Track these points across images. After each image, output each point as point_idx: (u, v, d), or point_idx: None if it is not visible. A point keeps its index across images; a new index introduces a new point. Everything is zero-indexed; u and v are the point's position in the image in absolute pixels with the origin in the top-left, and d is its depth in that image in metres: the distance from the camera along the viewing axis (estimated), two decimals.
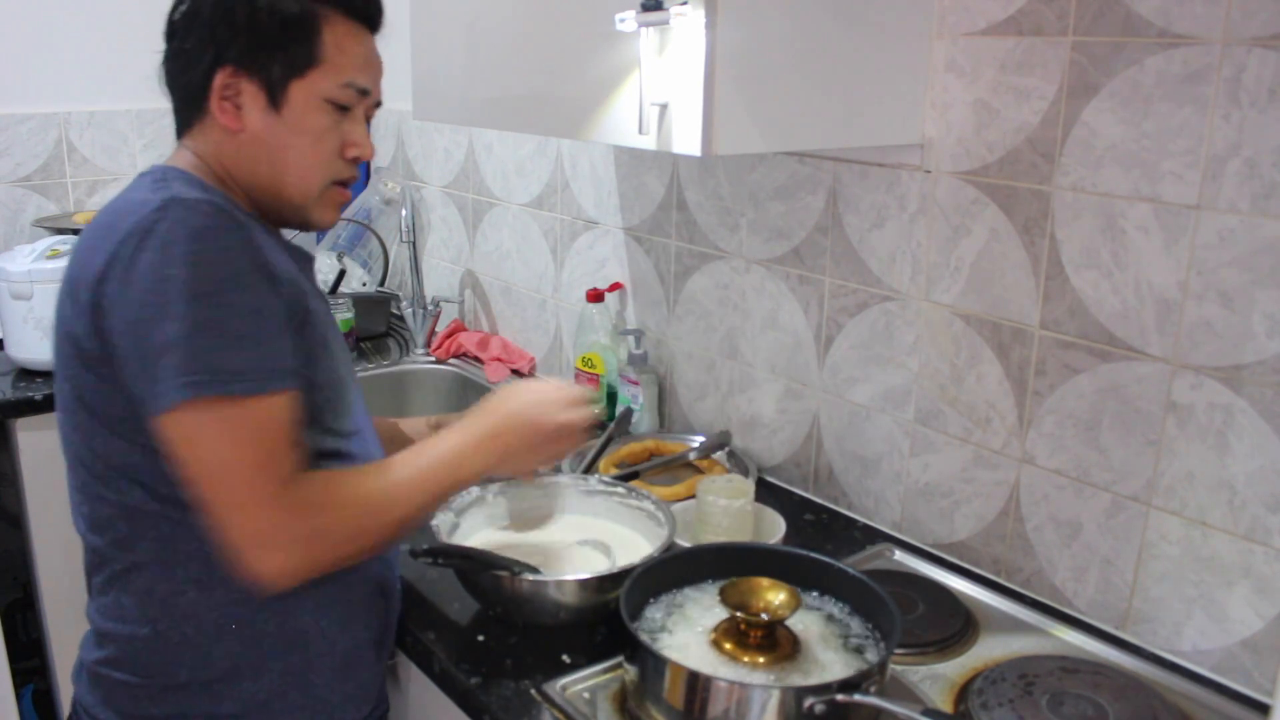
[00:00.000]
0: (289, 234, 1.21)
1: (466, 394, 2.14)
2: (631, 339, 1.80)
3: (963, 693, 1.11)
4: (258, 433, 0.98)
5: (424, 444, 1.12)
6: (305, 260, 1.19)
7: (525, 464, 1.19)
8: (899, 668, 1.15)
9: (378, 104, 1.16)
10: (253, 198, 1.12)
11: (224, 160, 1.11)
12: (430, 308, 2.28)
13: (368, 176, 2.59)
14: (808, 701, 0.94)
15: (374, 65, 1.14)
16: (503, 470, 1.19)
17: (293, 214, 1.14)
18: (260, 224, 1.11)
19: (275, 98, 1.08)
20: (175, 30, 1.10)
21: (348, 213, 2.53)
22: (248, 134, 1.09)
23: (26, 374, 2.02)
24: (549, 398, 1.18)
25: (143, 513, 1.05)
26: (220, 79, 1.07)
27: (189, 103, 1.10)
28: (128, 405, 1.00)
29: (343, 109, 1.11)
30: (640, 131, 1.14)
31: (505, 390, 1.20)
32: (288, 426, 1.00)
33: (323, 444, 1.09)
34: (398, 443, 1.35)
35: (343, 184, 1.15)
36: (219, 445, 0.97)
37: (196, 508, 1.00)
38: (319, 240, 2.60)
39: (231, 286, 0.97)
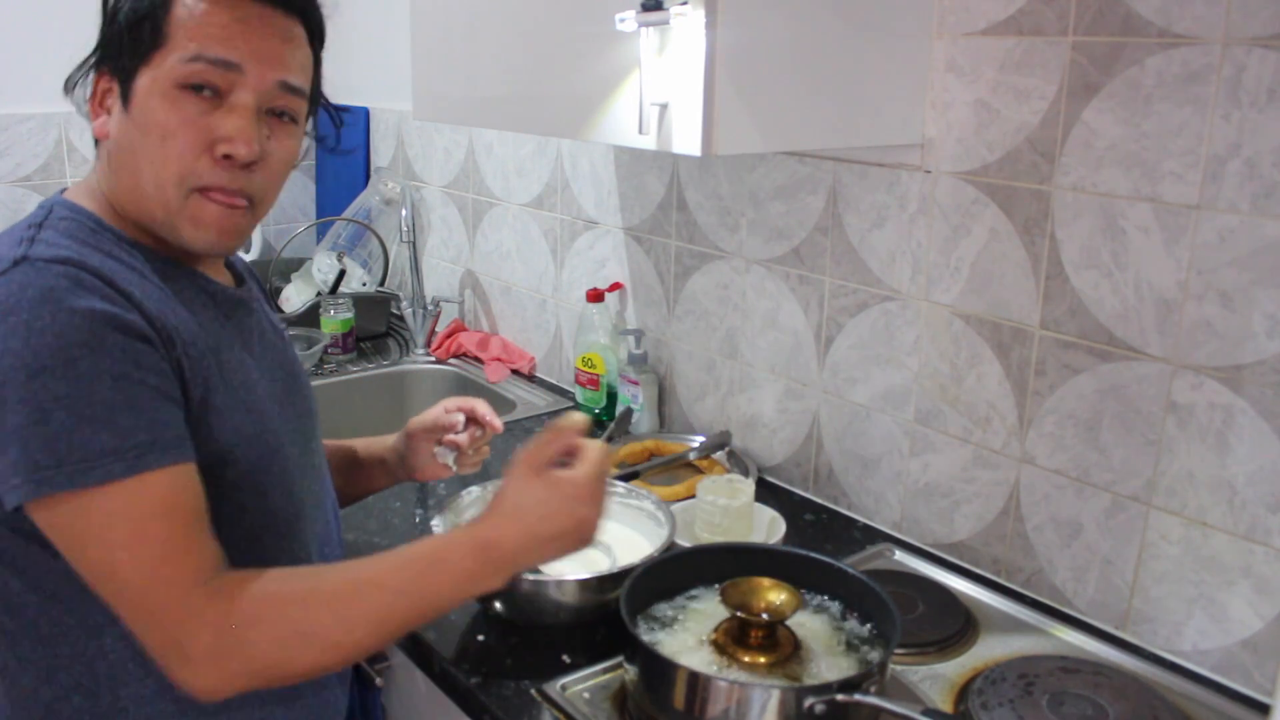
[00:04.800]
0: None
1: (466, 394, 2.13)
2: (631, 339, 1.80)
3: (963, 693, 1.12)
4: (144, 523, 0.83)
5: (404, 547, 0.94)
6: (233, 305, 1.02)
7: (532, 564, 0.99)
8: (899, 668, 1.15)
9: (290, 88, 0.94)
10: (132, 217, 0.95)
11: (107, 181, 0.95)
12: (430, 308, 2.28)
13: (368, 177, 2.59)
14: (808, 701, 0.94)
15: (246, 36, 0.91)
16: (507, 577, 0.96)
17: (170, 236, 0.94)
18: (155, 266, 0.94)
19: (126, 93, 0.91)
20: None
21: (347, 212, 2.53)
22: (111, 142, 0.94)
23: None
24: (573, 493, 0.97)
25: (19, 606, 0.90)
26: (97, 84, 0.94)
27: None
28: None
29: (209, 96, 0.90)
30: (640, 131, 1.14)
31: (518, 484, 0.98)
32: (187, 506, 0.85)
33: (251, 520, 0.96)
34: (353, 470, 1.29)
35: (209, 191, 0.92)
36: (99, 546, 0.83)
37: (82, 607, 0.88)
38: (319, 240, 2.60)
39: (83, 353, 0.81)
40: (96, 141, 0.97)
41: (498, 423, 1.29)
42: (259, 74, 0.92)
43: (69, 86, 0.98)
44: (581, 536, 0.98)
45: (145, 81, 0.90)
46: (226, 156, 0.91)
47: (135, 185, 0.93)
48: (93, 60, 0.96)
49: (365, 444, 1.33)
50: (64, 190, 0.99)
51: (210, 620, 0.83)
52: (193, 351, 0.91)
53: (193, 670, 0.84)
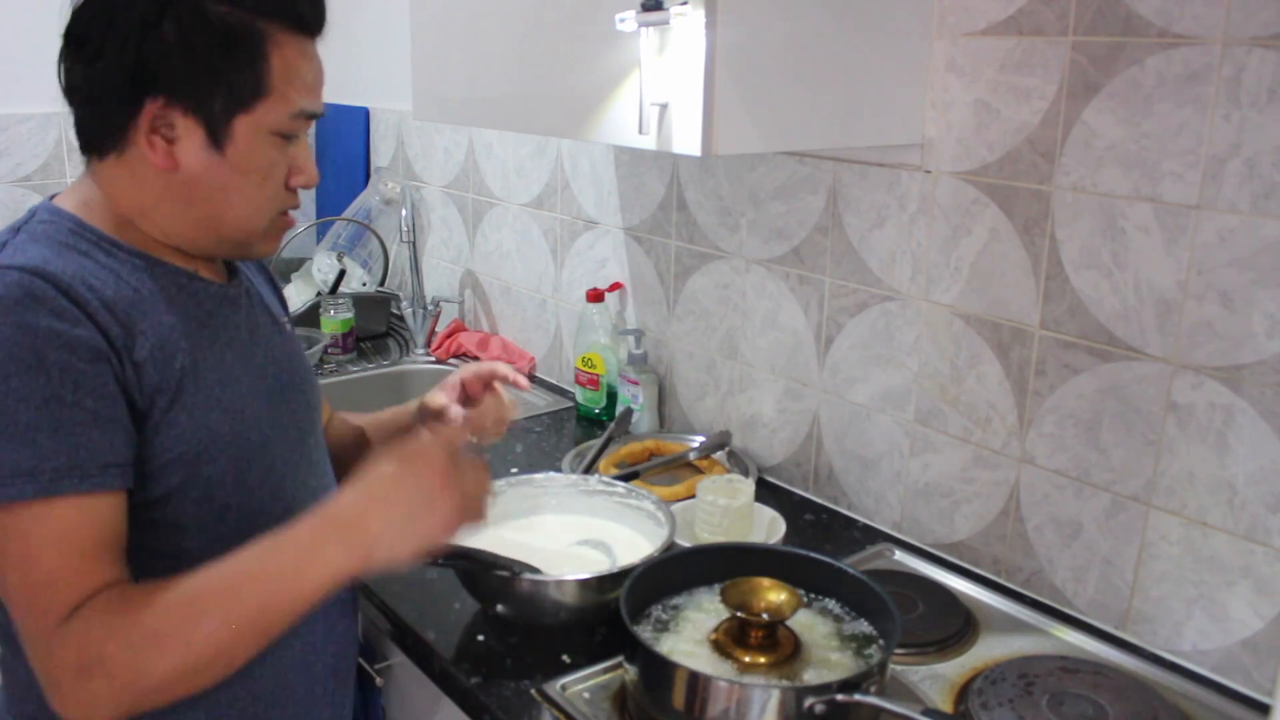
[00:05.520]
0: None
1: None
2: (631, 339, 1.80)
3: (963, 693, 1.12)
4: (38, 549, 0.83)
5: (264, 541, 0.88)
6: (216, 302, 1.02)
7: (401, 546, 0.91)
8: (899, 668, 1.15)
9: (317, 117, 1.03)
10: (175, 233, 0.97)
11: (143, 200, 0.95)
12: (430, 308, 2.28)
13: (368, 177, 2.59)
14: (808, 701, 0.94)
15: (321, 83, 0.99)
16: (375, 560, 0.89)
17: (232, 249, 1.01)
18: (136, 264, 0.95)
19: (217, 135, 0.92)
20: (82, 37, 0.91)
21: (347, 212, 2.53)
22: (182, 174, 0.93)
23: None
24: (424, 450, 0.93)
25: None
26: (150, 111, 0.91)
27: (104, 129, 0.94)
28: None
29: (289, 137, 0.98)
30: (640, 131, 1.14)
31: (371, 463, 0.93)
32: (88, 537, 0.85)
33: (235, 519, 0.96)
34: (361, 451, 1.25)
35: (287, 212, 1.02)
36: None
37: None
38: (319, 240, 2.60)
39: (18, 371, 0.82)
40: (98, 150, 0.95)
41: (523, 380, 1.26)
42: (321, 113, 1.01)
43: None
44: (437, 502, 0.92)
45: (245, 127, 0.93)
46: (301, 186, 1.00)
47: (213, 213, 0.97)
48: (129, 86, 0.91)
49: (374, 424, 1.30)
50: (52, 196, 0.99)
51: (74, 640, 0.83)
52: (159, 354, 0.91)
53: (60, 696, 0.84)
